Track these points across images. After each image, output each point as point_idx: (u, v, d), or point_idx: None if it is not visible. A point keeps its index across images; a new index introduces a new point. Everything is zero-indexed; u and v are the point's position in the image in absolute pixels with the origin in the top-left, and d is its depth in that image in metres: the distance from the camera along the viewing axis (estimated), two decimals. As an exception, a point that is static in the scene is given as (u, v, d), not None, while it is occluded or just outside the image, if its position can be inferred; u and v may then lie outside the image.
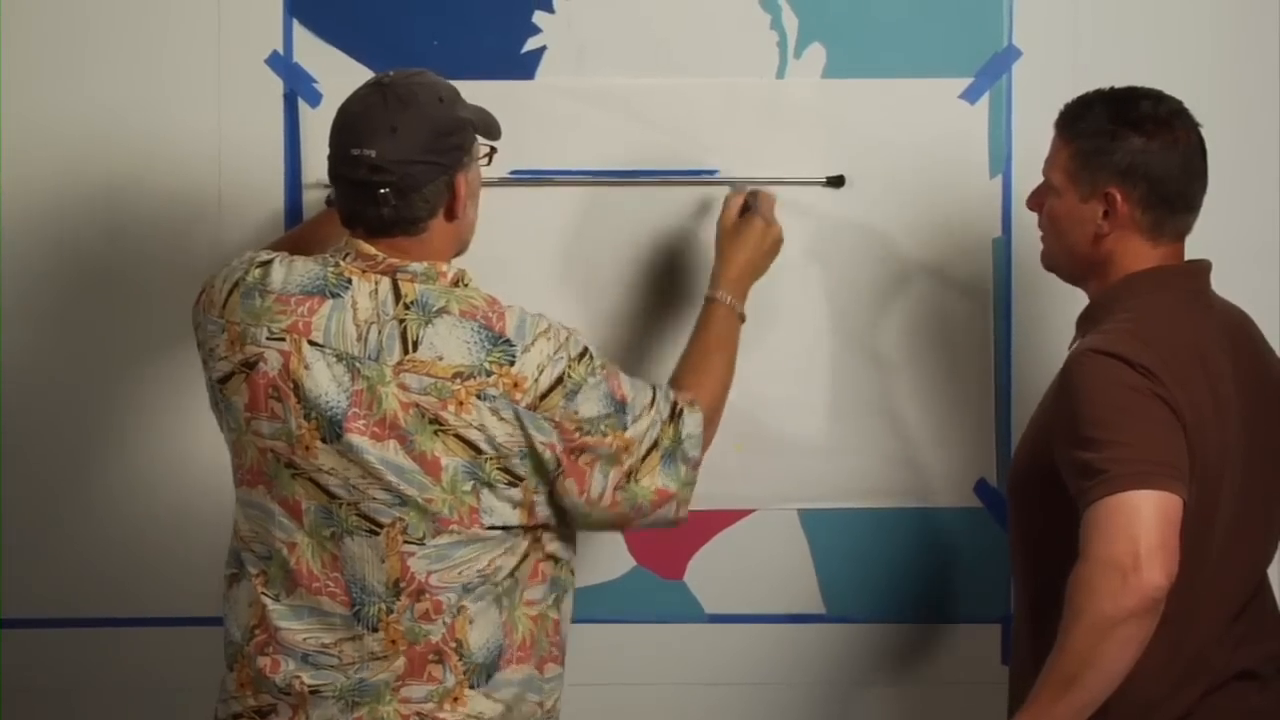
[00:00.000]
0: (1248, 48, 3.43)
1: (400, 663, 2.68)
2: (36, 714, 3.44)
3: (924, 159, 3.38)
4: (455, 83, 3.27)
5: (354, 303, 2.64)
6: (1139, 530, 2.53)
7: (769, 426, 3.38)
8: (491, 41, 3.38)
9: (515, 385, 2.63)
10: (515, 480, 2.65)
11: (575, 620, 3.27)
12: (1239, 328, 2.89)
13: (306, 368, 2.62)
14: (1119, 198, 2.78)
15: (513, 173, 3.35)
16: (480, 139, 2.78)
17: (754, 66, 3.40)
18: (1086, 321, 2.89)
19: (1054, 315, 3.33)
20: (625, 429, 2.69)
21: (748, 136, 3.39)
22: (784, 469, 3.41)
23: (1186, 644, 2.69)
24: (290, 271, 2.70)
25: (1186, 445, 2.63)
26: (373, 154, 2.63)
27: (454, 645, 2.68)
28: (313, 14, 3.37)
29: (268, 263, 2.73)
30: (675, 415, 2.76)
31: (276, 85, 3.37)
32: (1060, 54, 3.40)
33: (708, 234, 3.32)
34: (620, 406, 2.70)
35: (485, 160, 2.81)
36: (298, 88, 3.36)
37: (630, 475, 2.71)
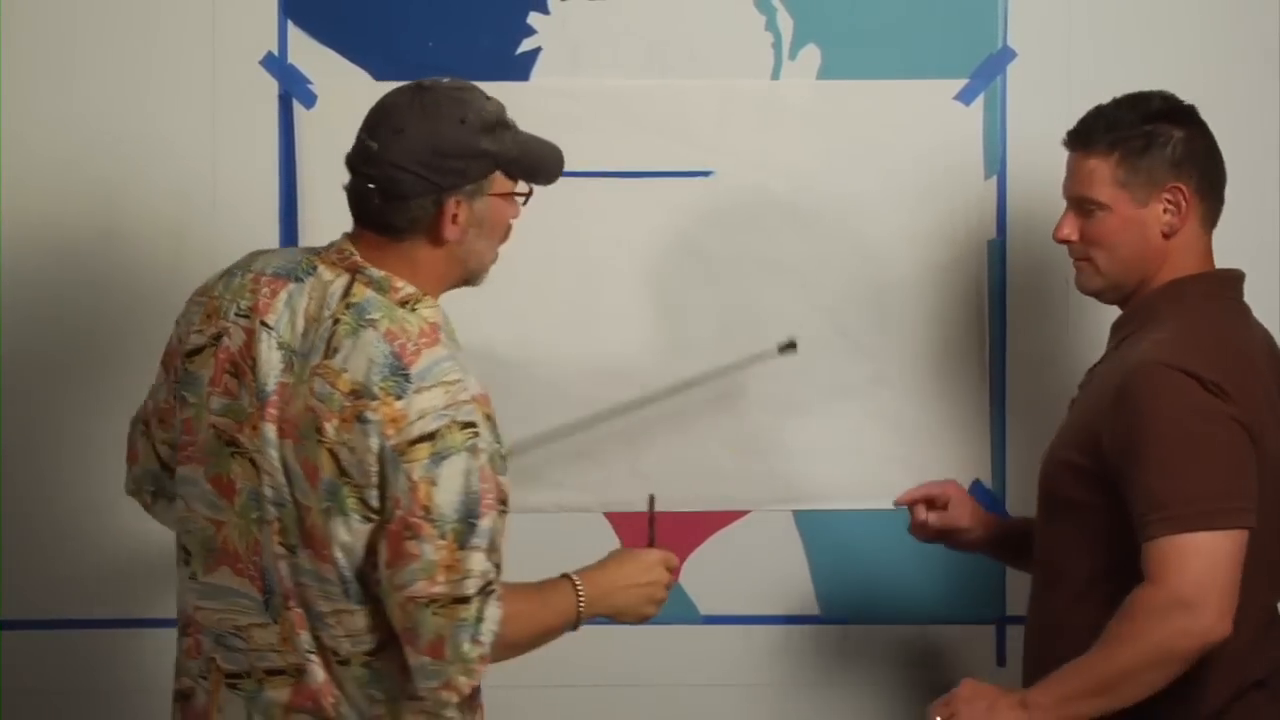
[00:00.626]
0: (1242, 48, 3.44)
1: (287, 692, 2.62)
2: (36, 714, 3.44)
3: (919, 160, 3.38)
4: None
5: (310, 292, 2.61)
6: (1214, 575, 2.57)
7: (764, 428, 3.39)
8: (486, 43, 3.39)
9: (393, 420, 2.50)
10: (370, 515, 2.52)
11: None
12: (1269, 341, 2.88)
13: (261, 347, 2.61)
14: (1184, 190, 2.77)
15: (507, 174, 3.37)
16: (520, 179, 2.68)
17: (749, 68, 3.41)
18: (1131, 325, 2.84)
19: (1049, 317, 3.34)
20: (462, 548, 2.49)
21: (743, 138, 3.40)
22: (779, 470, 3.42)
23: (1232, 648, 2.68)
24: (275, 255, 2.69)
25: (1256, 457, 2.65)
26: (374, 146, 2.60)
27: (332, 701, 2.60)
28: (307, 15, 3.37)
29: (263, 251, 2.73)
30: (487, 593, 2.50)
31: (271, 86, 3.37)
32: (1055, 55, 3.41)
33: (702, 235, 3.33)
34: (471, 523, 2.50)
35: (521, 200, 2.71)
36: (292, 89, 3.37)
37: (435, 600, 2.48)
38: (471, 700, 2.62)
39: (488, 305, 3.34)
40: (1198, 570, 2.57)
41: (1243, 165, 3.39)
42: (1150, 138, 2.77)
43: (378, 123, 2.62)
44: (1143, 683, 2.60)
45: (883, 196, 3.39)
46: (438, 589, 2.46)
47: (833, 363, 3.41)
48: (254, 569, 2.61)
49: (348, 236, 2.64)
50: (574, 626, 2.72)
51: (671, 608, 3.35)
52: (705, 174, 3.40)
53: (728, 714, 3.47)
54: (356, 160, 2.61)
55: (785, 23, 3.40)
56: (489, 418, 2.54)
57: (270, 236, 3.35)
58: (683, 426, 3.41)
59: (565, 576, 2.72)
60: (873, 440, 3.41)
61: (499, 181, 2.63)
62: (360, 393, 2.50)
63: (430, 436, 2.48)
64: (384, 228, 2.61)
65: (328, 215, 3.33)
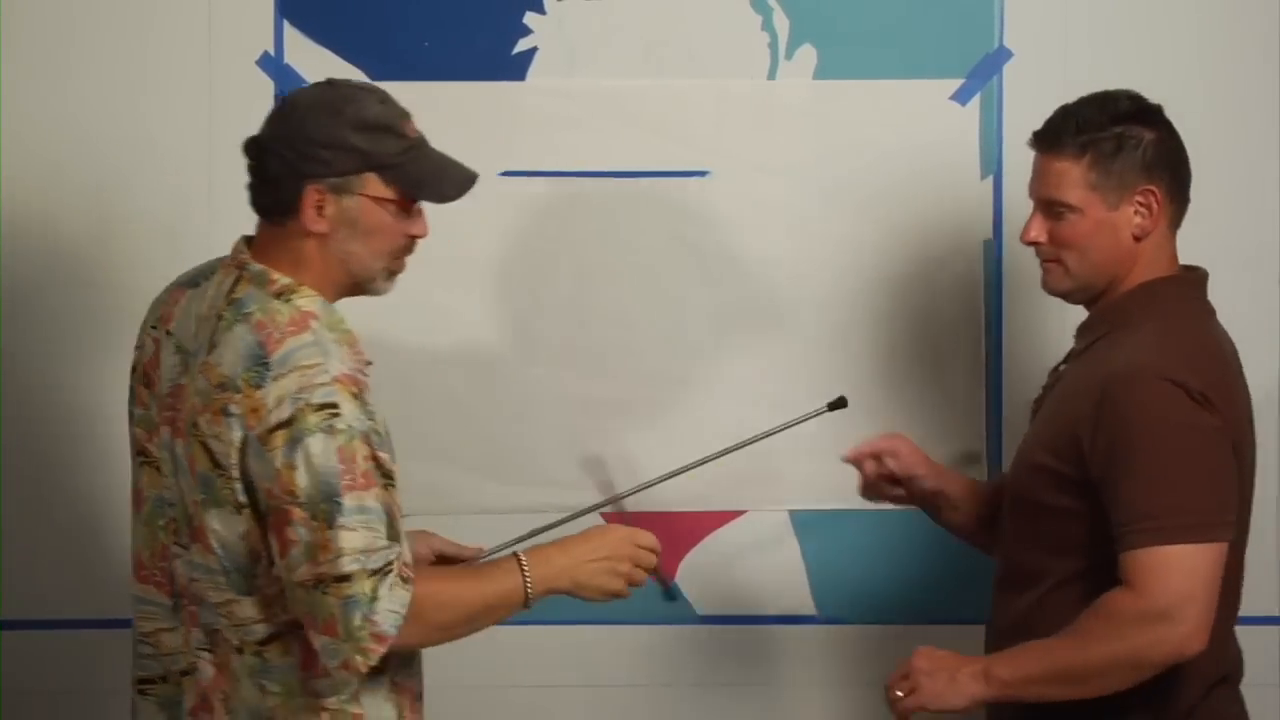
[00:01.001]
0: (1238, 47, 3.44)
1: (191, 694, 2.64)
2: (36, 714, 3.44)
3: (915, 160, 3.39)
4: (446, 84, 3.30)
5: (205, 294, 2.63)
6: (1195, 588, 2.58)
7: (759, 428, 3.38)
8: (483, 43, 3.39)
9: (254, 410, 2.51)
10: (239, 506, 2.53)
11: (567, 622, 3.31)
12: (1231, 341, 2.87)
13: (163, 354, 2.63)
14: (1156, 192, 2.74)
15: (503, 173, 3.36)
16: (398, 187, 2.62)
17: (745, 68, 3.41)
18: (1101, 327, 2.81)
19: (1045, 316, 3.34)
20: (331, 527, 2.47)
21: (739, 138, 3.40)
22: (775, 470, 3.41)
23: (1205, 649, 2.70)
24: (195, 267, 2.72)
25: (1238, 466, 2.66)
26: (260, 131, 2.65)
27: (220, 696, 2.61)
28: (304, 15, 3.38)
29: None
30: (383, 573, 2.47)
31: (268, 86, 3.38)
32: (1051, 55, 3.41)
33: (698, 234, 3.33)
34: (336, 502, 2.48)
35: (397, 209, 2.62)
36: (288, 89, 3.36)
37: (321, 581, 2.48)
38: (400, 696, 2.63)
39: (483, 305, 3.37)
40: (1179, 583, 2.58)
41: (1240, 165, 3.42)
42: (1121, 140, 2.74)
43: (272, 111, 2.66)
44: (1109, 682, 2.61)
45: (879, 196, 3.39)
46: (320, 569, 2.46)
47: (827, 362, 3.41)
48: (161, 574, 2.64)
49: (244, 236, 2.67)
50: (524, 605, 2.62)
51: (668, 608, 3.37)
52: (701, 174, 3.40)
53: (724, 714, 3.47)
54: (245, 143, 2.64)
55: (781, 22, 3.40)
56: (356, 396, 2.52)
57: (266, 236, 3.36)
58: (678, 426, 3.41)
59: (513, 554, 2.66)
60: (868, 440, 3.40)
61: (372, 184, 2.60)
62: (225, 385, 2.52)
63: (287, 423, 2.49)
64: (259, 209, 2.63)
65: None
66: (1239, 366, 2.77)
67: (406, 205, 2.63)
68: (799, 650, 3.46)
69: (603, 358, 3.42)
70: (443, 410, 3.42)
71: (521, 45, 3.40)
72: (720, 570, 3.44)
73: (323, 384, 2.50)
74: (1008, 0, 3.41)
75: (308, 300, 2.59)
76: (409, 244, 2.67)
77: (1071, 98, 3.38)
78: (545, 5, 3.39)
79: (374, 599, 2.46)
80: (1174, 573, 2.58)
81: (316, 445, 2.47)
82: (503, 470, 3.41)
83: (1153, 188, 2.73)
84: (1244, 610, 3.41)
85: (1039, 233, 2.79)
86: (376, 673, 2.55)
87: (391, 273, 2.69)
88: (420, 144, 2.64)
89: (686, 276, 3.40)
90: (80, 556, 3.42)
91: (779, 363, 3.42)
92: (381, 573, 2.47)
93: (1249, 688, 3.42)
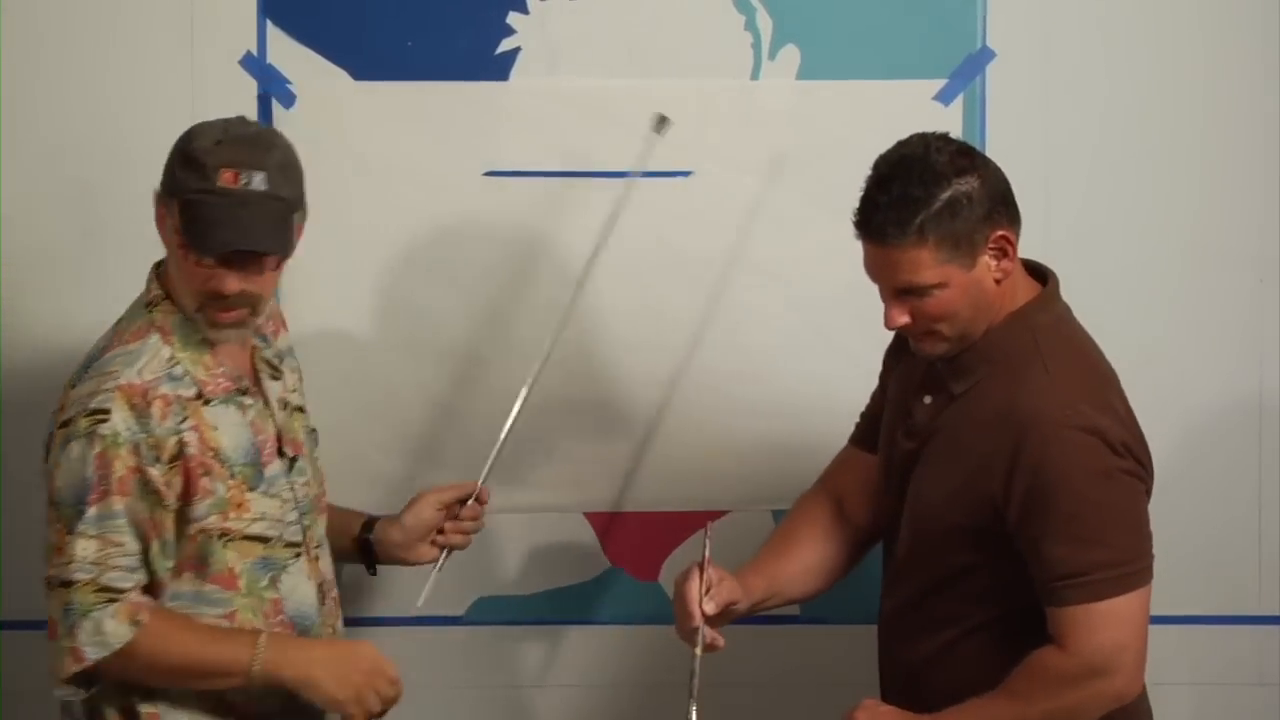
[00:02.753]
0: (1221, 46, 3.44)
1: None
2: (36, 715, 3.43)
3: (898, 161, 3.38)
4: (429, 84, 3.32)
5: None
6: (1128, 639, 2.61)
7: (741, 428, 3.39)
8: (465, 43, 3.39)
9: (60, 409, 2.63)
10: None
11: (550, 622, 3.31)
12: None
13: None
14: (1008, 235, 2.66)
15: (487, 173, 3.36)
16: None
17: (728, 68, 3.41)
18: (980, 368, 2.70)
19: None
20: (70, 532, 2.57)
21: (722, 138, 3.40)
22: (758, 470, 3.42)
23: None
24: None
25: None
26: None
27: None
28: (286, 15, 3.37)
29: None
30: (109, 598, 2.56)
31: (250, 86, 3.37)
32: (1034, 55, 3.41)
33: (681, 235, 3.33)
34: (80, 509, 2.56)
35: (188, 252, 2.64)
36: (271, 89, 3.37)
37: (50, 582, 2.60)
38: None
39: (465, 304, 3.37)
40: (1111, 635, 2.60)
41: (1224, 164, 3.43)
42: (953, 204, 2.60)
43: None
44: None
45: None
46: (51, 571, 2.57)
47: (811, 362, 3.41)
48: None
49: (156, 263, 2.78)
50: (246, 679, 2.62)
51: (650, 608, 3.37)
52: (684, 174, 3.40)
53: (708, 714, 3.46)
54: None
55: (765, 23, 3.40)
56: (134, 407, 2.57)
57: (249, 236, 3.35)
58: (660, 426, 3.41)
59: (255, 631, 2.67)
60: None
61: (175, 212, 2.64)
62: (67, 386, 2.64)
63: (65, 424, 2.58)
64: None
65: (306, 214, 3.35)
66: (1115, 374, 2.74)
67: (185, 246, 2.62)
68: (782, 651, 3.46)
69: (585, 358, 3.42)
70: (423, 408, 3.42)
71: (505, 45, 3.40)
72: (703, 570, 3.43)
73: (106, 390, 2.57)
74: (990, 1, 3.41)
75: (162, 314, 2.66)
76: (214, 298, 2.64)
77: (1054, 98, 3.43)
78: (528, 5, 3.39)
79: (85, 615, 2.54)
80: (1106, 627, 2.59)
81: (76, 449, 2.56)
82: (483, 469, 3.41)
83: (1000, 230, 2.65)
84: (1247, 610, 3.46)
85: (903, 317, 2.69)
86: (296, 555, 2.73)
87: (212, 323, 2.67)
88: (223, 196, 2.59)
89: (668, 276, 3.40)
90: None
91: (760, 363, 3.42)
92: (109, 595, 2.54)
93: (1252, 688, 3.46)
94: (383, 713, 2.70)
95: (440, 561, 3.05)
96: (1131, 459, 2.62)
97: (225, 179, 2.59)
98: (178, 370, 2.65)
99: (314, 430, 2.93)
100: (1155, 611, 3.37)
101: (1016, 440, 2.61)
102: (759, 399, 3.39)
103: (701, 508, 3.42)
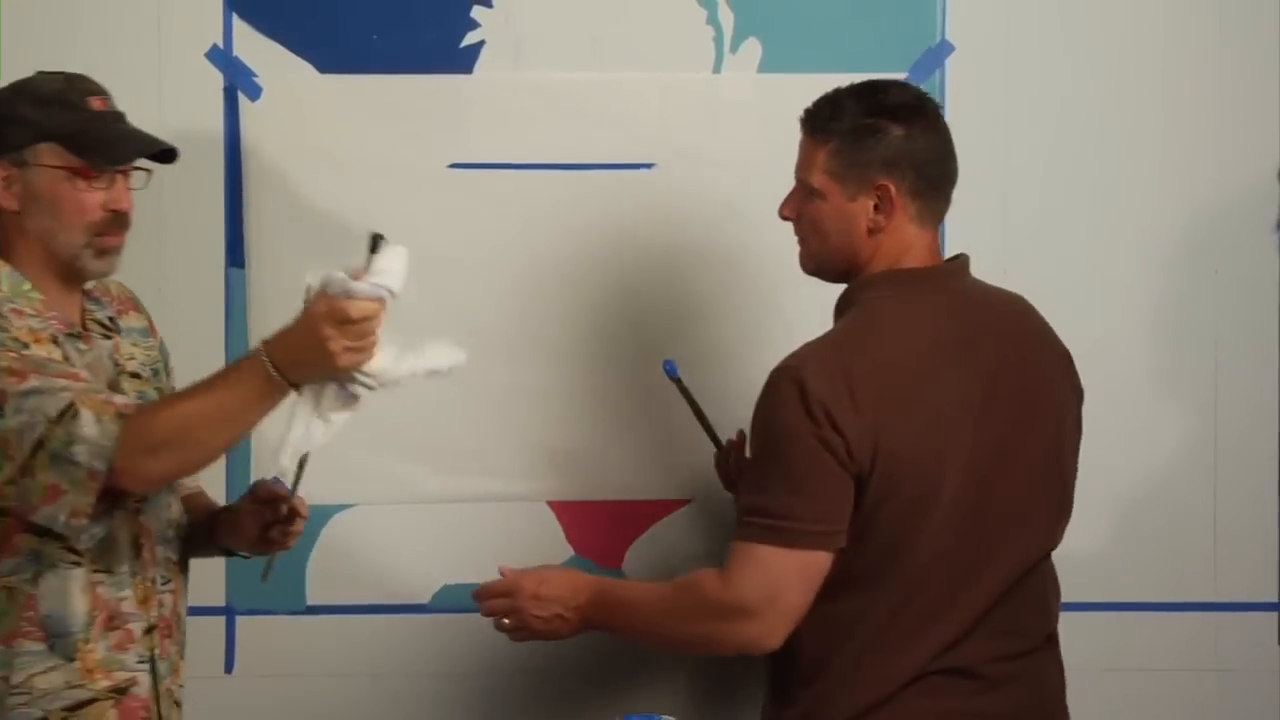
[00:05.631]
0: (1178, 40, 3.48)
1: None
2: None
3: (858, 153, 3.40)
4: (394, 77, 3.34)
5: None
6: (778, 590, 2.65)
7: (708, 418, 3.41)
8: (430, 36, 3.40)
9: None
10: None
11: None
12: (1007, 321, 2.81)
13: None
14: (892, 189, 2.71)
15: (451, 165, 3.39)
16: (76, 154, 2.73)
17: (690, 61, 3.44)
18: (836, 313, 2.83)
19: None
20: (9, 444, 2.59)
21: (685, 131, 3.43)
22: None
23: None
24: None
25: (864, 477, 2.63)
26: None
27: None
28: (252, 8, 3.39)
29: None
30: (63, 416, 2.57)
31: (216, 79, 3.39)
32: (994, 49, 3.45)
33: (644, 228, 3.36)
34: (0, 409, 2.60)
35: (85, 180, 2.73)
36: (238, 81, 3.38)
37: (25, 471, 2.60)
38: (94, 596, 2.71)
39: (433, 298, 3.38)
40: (761, 581, 2.65)
41: (1181, 156, 3.46)
42: (866, 133, 2.71)
43: None
44: (682, 651, 2.85)
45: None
46: (19, 462, 2.59)
47: (774, 353, 3.42)
48: None
49: None
50: (283, 387, 2.59)
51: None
52: (647, 166, 3.43)
53: (672, 700, 3.49)
54: None
55: (726, 17, 3.43)
56: None
57: (216, 228, 3.37)
58: (623, 415, 3.44)
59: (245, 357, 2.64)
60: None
61: (48, 154, 2.73)
62: None
63: None
64: None
65: (273, 206, 3.37)
66: (903, 368, 2.68)
67: (88, 174, 2.73)
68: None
69: (552, 350, 3.44)
70: (392, 401, 3.40)
71: (469, 39, 3.42)
72: (666, 558, 3.46)
73: None
74: (950, -6, 3.45)
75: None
76: (111, 218, 2.76)
77: (1014, 91, 3.45)
78: (493, -1, 3.42)
79: (68, 442, 2.56)
80: (759, 572, 2.65)
81: None
82: (452, 460, 3.43)
83: (890, 183, 2.70)
84: (1203, 597, 3.49)
85: (790, 210, 2.83)
86: (74, 564, 2.69)
87: (100, 251, 2.77)
88: (104, 117, 2.78)
89: (633, 269, 3.42)
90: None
91: (725, 354, 3.44)
92: (62, 416, 2.56)
93: (1252, 675, 3.49)
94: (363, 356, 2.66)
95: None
96: (831, 429, 2.61)
97: (97, 104, 2.78)
98: (12, 308, 2.70)
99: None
100: (1112, 598, 3.47)
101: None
102: (722, 389, 3.41)
103: (664, 496, 3.46)
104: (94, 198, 2.74)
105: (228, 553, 3.04)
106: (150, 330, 2.98)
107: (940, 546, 2.67)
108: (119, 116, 2.81)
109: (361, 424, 3.15)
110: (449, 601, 3.47)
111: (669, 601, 2.75)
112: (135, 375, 2.87)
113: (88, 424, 2.56)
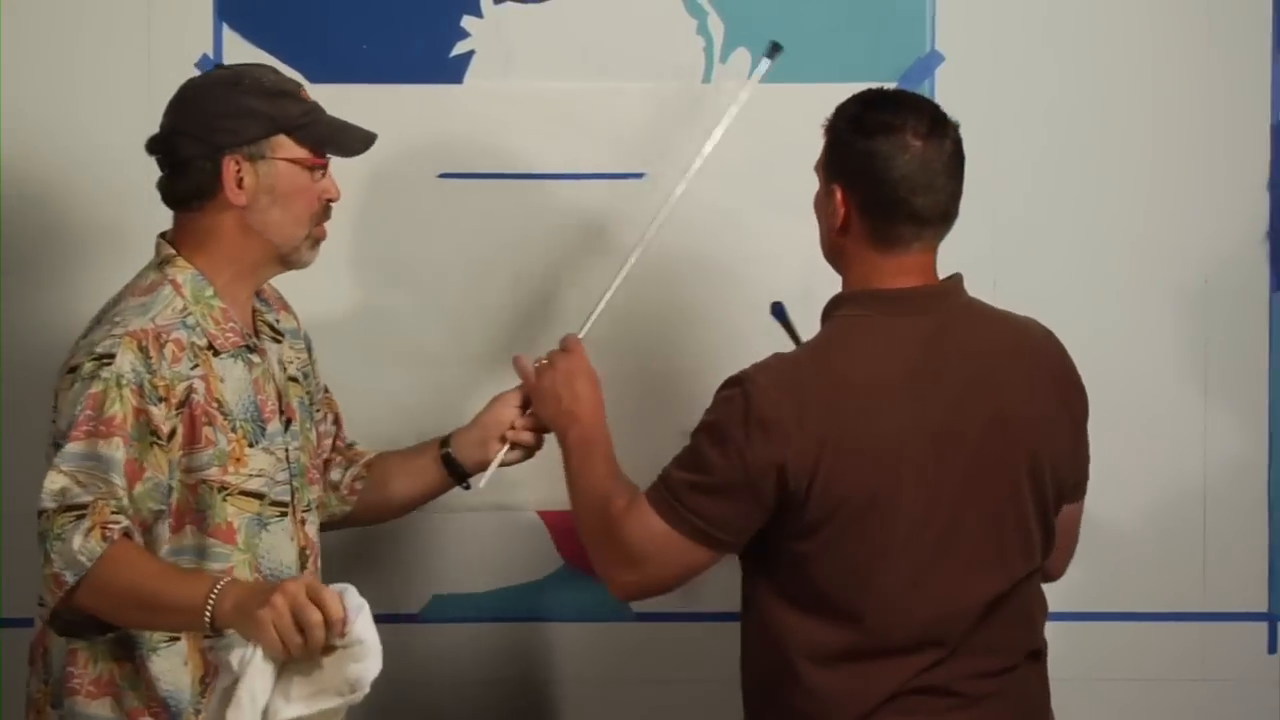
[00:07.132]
0: (1164, 47, 3.50)
1: None
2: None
3: (848, 163, 3.40)
4: (384, 87, 3.32)
5: None
6: (647, 552, 2.72)
7: (693, 426, 3.40)
8: (420, 46, 3.41)
9: (70, 356, 2.64)
10: None
11: (505, 619, 3.33)
12: (991, 344, 2.77)
13: None
14: (839, 195, 2.73)
15: (441, 175, 3.39)
16: (309, 146, 2.74)
17: (680, 71, 3.45)
18: (820, 323, 2.84)
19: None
20: (52, 468, 2.55)
21: (674, 140, 3.43)
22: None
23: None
24: None
25: (800, 494, 2.63)
26: (161, 123, 2.75)
27: (41, 650, 2.77)
28: (242, 18, 3.39)
29: None
30: (71, 510, 2.52)
31: (207, 89, 3.39)
32: (983, 59, 3.46)
33: (635, 237, 3.36)
34: (59, 444, 2.56)
35: (318, 171, 2.76)
36: (228, 91, 3.38)
37: (37, 517, 2.57)
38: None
39: (421, 306, 3.39)
40: (643, 539, 2.71)
41: (1171, 165, 3.47)
42: (841, 137, 2.75)
43: (169, 104, 2.76)
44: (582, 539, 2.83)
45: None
46: (38, 505, 2.56)
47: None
48: None
49: (161, 233, 2.78)
50: (203, 625, 2.43)
51: (604, 605, 3.38)
52: (637, 176, 3.43)
53: (662, 710, 3.49)
54: (149, 143, 2.73)
55: (716, 26, 3.44)
56: (142, 349, 2.59)
57: (205, 237, 3.37)
58: (612, 425, 3.43)
59: (214, 578, 2.48)
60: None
61: (283, 146, 2.71)
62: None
63: (72, 369, 2.59)
64: (176, 201, 2.73)
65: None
66: (901, 398, 2.66)
67: (318, 164, 2.73)
68: (734, 645, 3.46)
69: (534, 354, 3.43)
70: (381, 410, 3.43)
71: (459, 48, 3.42)
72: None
73: (114, 336, 2.59)
74: (939, 4, 3.45)
75: (179, 270, 2.69)
76: (325, 208, 2.77)
77: (1003, 101, 3.46)
78: (482, 9, 3.42)
79: (57, 538, 2.51)
80: (640, 524, 2.70)
81: (76, 391, 2.57)
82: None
83: (839, 189, 2.73)
84: (1194, 607, 3.49)
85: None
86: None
87: (315, 240, 2.78)
88: (318, 108, 2.76)
89: (623, 278, 3.41)
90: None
91: (717, 363, 3.43)
92: (74, 514, 2.50)
93: (1242, 685, 3.49)
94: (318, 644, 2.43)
95: (502, 453, 3.04)
96: (763, 444, 2.63)
97: (306, 96, 2.77)
98: (190, 320, 2.67)
99: (327, 396, 3.02)
100: (1102, 608, 3.47)
101: None
102: (711, 397, 3.41)
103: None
104: (317, 188, 2.75)
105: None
106: (298, 330, 2.99)
107: (911, 575, 2.65)
108: (320, 106, 2.79)
109: (353, 433, 3.16)
110: (440, 612, 3.46)
111: (601, 500, 2.79)
112: (294, 380, 2.88)
113: (80, 532, 2.50)
